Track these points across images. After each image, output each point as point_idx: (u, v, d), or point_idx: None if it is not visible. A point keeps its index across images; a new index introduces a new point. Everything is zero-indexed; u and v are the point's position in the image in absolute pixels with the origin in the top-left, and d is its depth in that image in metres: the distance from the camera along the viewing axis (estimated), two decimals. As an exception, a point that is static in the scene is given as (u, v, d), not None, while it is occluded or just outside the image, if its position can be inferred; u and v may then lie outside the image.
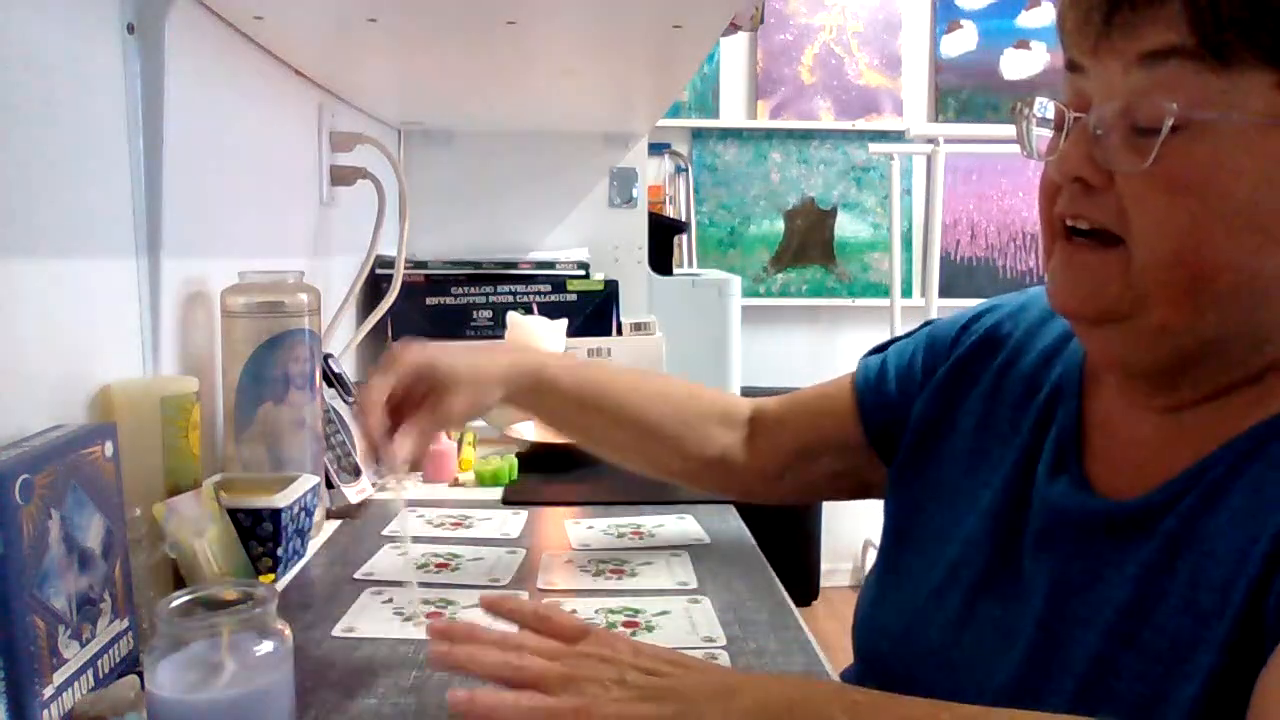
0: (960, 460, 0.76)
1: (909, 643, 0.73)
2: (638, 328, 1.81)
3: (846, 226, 3.48)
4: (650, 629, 0.79)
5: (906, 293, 3.33)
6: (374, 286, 1.61)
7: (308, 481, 0.94)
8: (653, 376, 0.97)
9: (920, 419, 0.81)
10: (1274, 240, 0.56)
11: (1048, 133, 0.65)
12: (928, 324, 0.88)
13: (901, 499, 0.81)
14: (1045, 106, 0.65)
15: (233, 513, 0.86)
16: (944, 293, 3.11)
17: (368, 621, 0.80)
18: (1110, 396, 0.68)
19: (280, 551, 0.87)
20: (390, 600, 0.85)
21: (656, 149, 3.25)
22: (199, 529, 0.80)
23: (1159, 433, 0.64)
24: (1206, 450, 0.59)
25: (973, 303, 0.85)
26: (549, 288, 1.82)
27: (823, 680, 0.59)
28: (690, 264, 3.29)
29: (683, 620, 0.80)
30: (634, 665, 0.58)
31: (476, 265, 1.86)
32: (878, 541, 0.84)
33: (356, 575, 0.91)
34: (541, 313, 1.53)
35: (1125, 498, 0.63)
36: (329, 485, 1.07)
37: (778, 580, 0.91)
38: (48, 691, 0.58)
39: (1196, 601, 0.55)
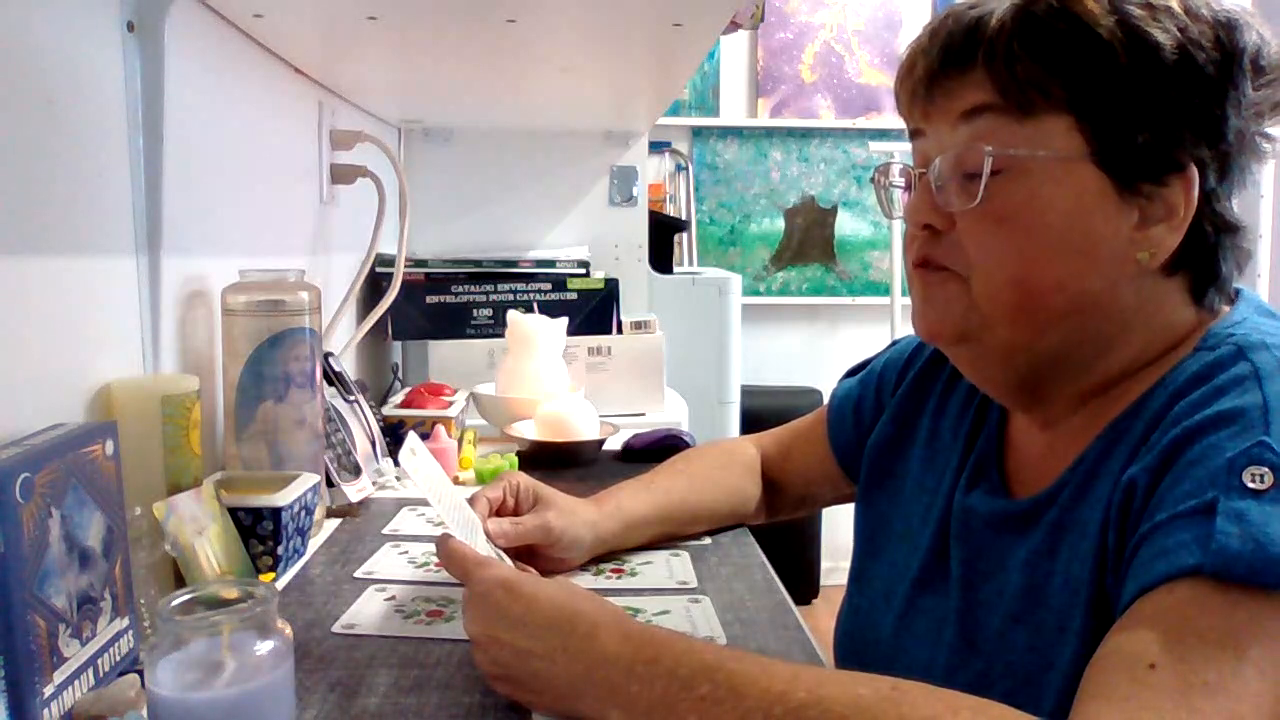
0: (916, 472, 0.85)
1: (866, 638, 0.83)
2: (638, 326, 1.81)
3: (847, 225, 3.47)
4: (650, 628, 0.79)
5: (906, 291, 3.32)
6: (374, 285, 1.61)
7: (308, 480, 0.94)
8: (699, 468, 1.05)
9: (876, 443, 0.91)
10: (1093, 262, 0.65)
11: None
12: (895, 343, 0.98)
13: (868, 514, 0.90)
14: (899, 172, 0.77)
15: (233, 511, 0.86)
16: (944, 291, 3.10)
17: (368, 620, 0.80)
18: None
19: (281, 550, 0.87)
20: (393, 598, 0.85)
21: (657, 147, 3.25)
22: (199, 527, 0.80)
23: (1048, 443, 0.73)
24: (1079, 451, 0.68)
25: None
26: (549, 286, 1.82)
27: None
28: (690, 262, 3.29)
29: (683, 620, 0.80)
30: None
31: (477, 264, 1.86)
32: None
33: (357, 574, 0.91)
34: (542, 311, 1.53)
35: (1022, 499, 0.72)
36: (329, 484, 1.07)
37: (778, 579, 0.91)
38: (48, 690, 0.58)
39: (1071, 575, 0.64)
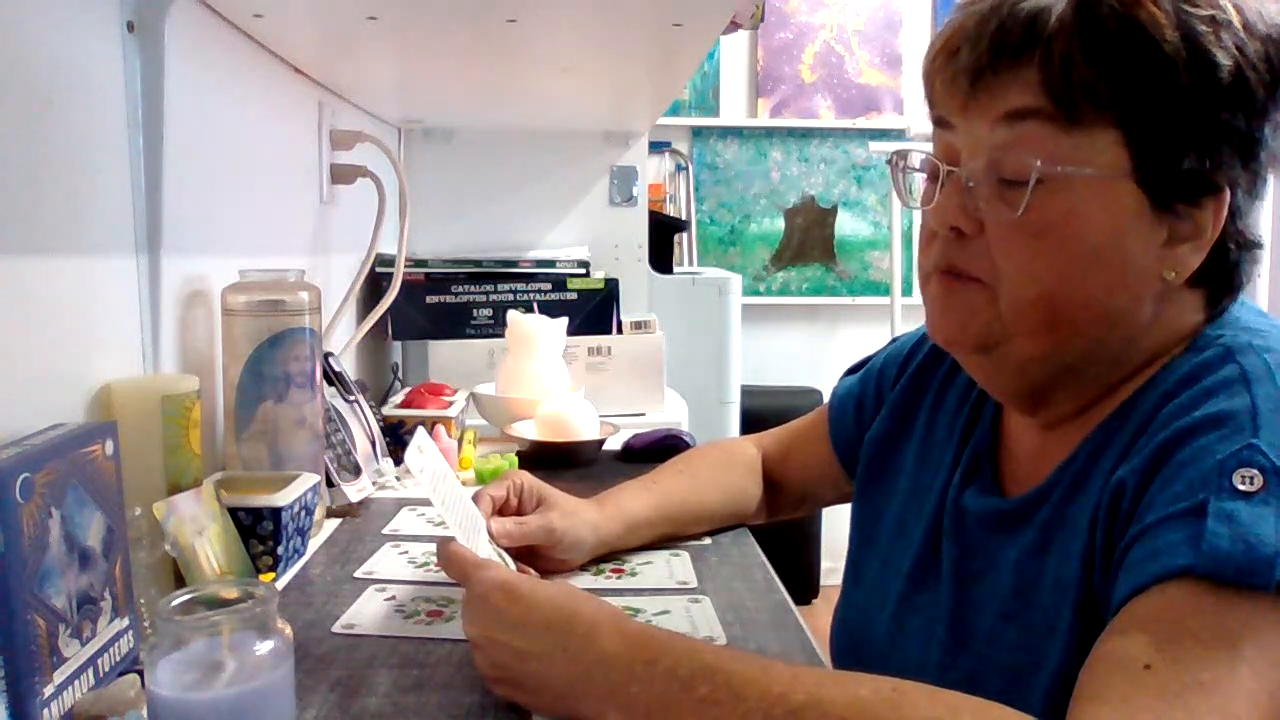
0: (912, 466, 0.85)
1: (860, 634, 0.84)
2: (638, 326, 1.81)
3: (847, 225, 3.47)
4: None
5: (907, 291, 3.32)
6: (374, 285, 1.61)
7: (308, 480, 0.94)
8: (700, 468, 1.05)
9: (874, 438, 0.90)
10: (1122, 280, 0.64)
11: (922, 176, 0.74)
12: (895, 340, 0.97)
13: (864, 509, 0.90)
14: (920, 159, 0.73)
15: (233, 511, 0.86)
16: (944, 291, 3.10)
17: (368, 620, 0.80)
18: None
19: (280, 550, 0.87)
20: (393, 598, 0.85)
21: (657, 147, 3.25)
22: (199, 528, 0.80)
23: (1042, 441, 0.73)
24: (1072, 449, 0.68)
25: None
26: (549, 286, 1.82)
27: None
28: (690, 262, 3.29)
29: (683, 620, 0.80)
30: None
31: (477, 264, 1.86)
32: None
33: (357, 574, 0.91)
34: (542, 311, 1.53)
35: (1014, 497, 0.72)
36: (329, 484, 1.07)
37: (778, 579, 0.91)
38: (48, 690, 0.58)
39: (1061, 575, 0.64)
